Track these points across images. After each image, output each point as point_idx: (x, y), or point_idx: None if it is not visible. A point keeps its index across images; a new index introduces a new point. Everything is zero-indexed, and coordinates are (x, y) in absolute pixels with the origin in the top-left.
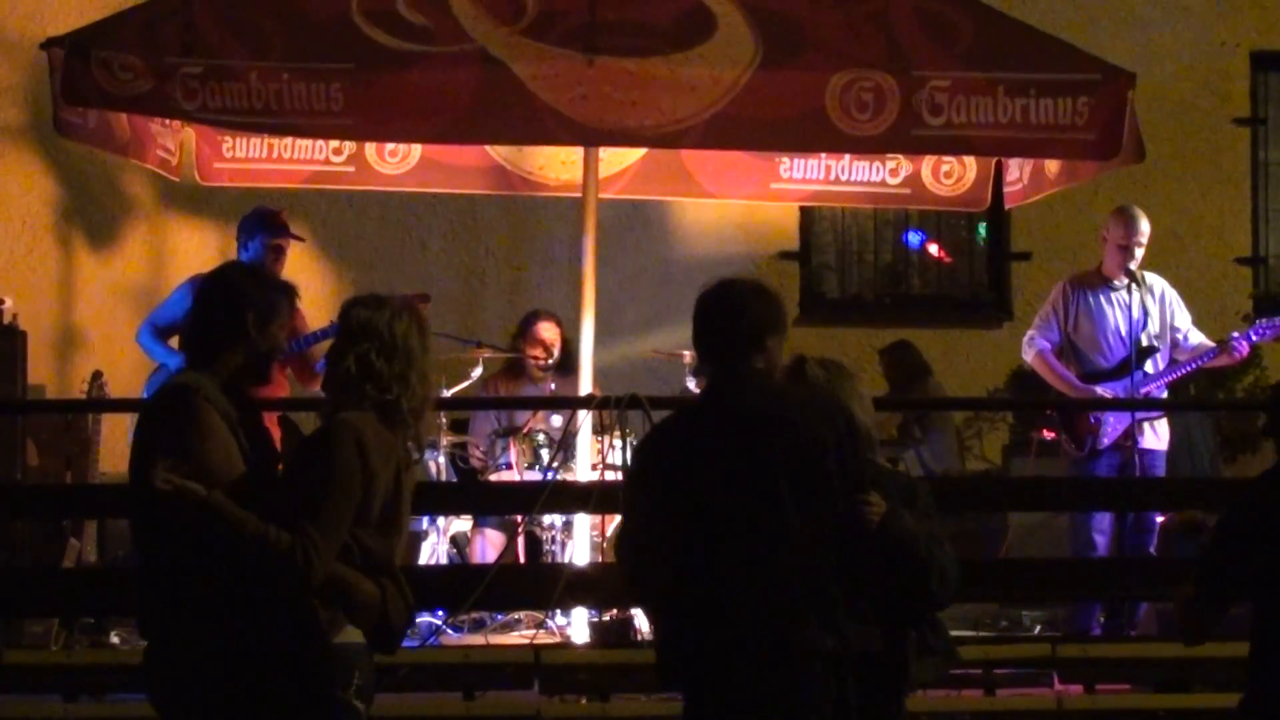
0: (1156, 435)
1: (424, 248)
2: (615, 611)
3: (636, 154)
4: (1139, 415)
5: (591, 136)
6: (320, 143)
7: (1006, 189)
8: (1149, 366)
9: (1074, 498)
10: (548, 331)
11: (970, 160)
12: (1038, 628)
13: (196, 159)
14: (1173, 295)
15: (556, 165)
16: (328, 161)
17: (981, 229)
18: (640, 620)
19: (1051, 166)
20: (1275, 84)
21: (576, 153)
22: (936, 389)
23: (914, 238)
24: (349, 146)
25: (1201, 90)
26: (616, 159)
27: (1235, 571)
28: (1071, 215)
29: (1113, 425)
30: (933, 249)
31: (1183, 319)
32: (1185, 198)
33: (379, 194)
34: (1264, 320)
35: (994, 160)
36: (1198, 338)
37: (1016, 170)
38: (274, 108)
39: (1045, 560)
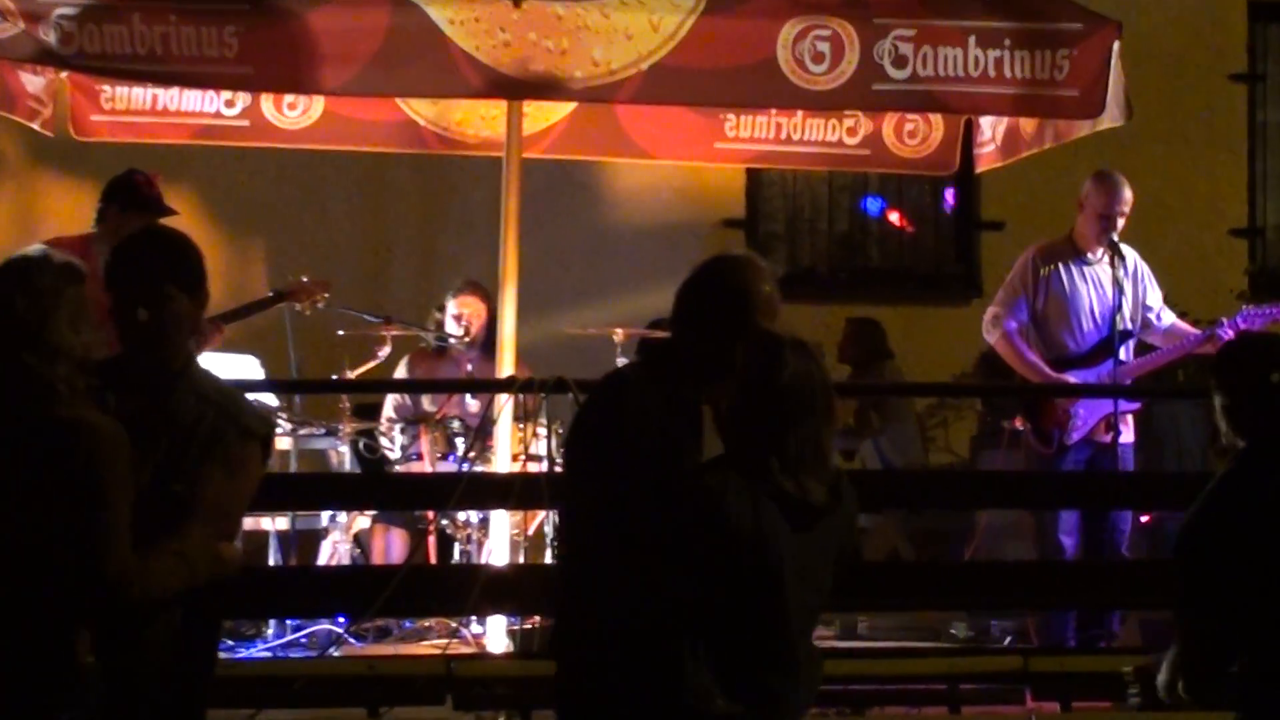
0: (1126, 427)
1: (326, 212)
2: (537, 618)
3: (565, 109)
4: (1122, 406)
5: (515, 89)
6: (211, 94)
7: (977, 151)
8: (1121, 353)
9: (1048, 495)
10: (467, 306)
11: (937, 119)
12: (1008, 638)
13: (72, 111)
14: (1145, 269)
15: (476, 121)
16: (219, 115)
17: (949, 195)
18: None
19: (1027, 126)
20: (1275, 36)
21: (498, 107)
22: (896, 374)
23: (873, 204)
24: (243, 98)
25: (1194, 43)
26: (543, 115)
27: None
28: (1049, 181)
29: (1084, 418)
30: (894, 217)
31: (1154, 297)
32: (1175, 162)
33: (276, 151)
34: (1251, 307)
35: (963, 119)
36: (1170, 318)
37: (988, 130)
38: (159, 53)
39: (1017, 564)
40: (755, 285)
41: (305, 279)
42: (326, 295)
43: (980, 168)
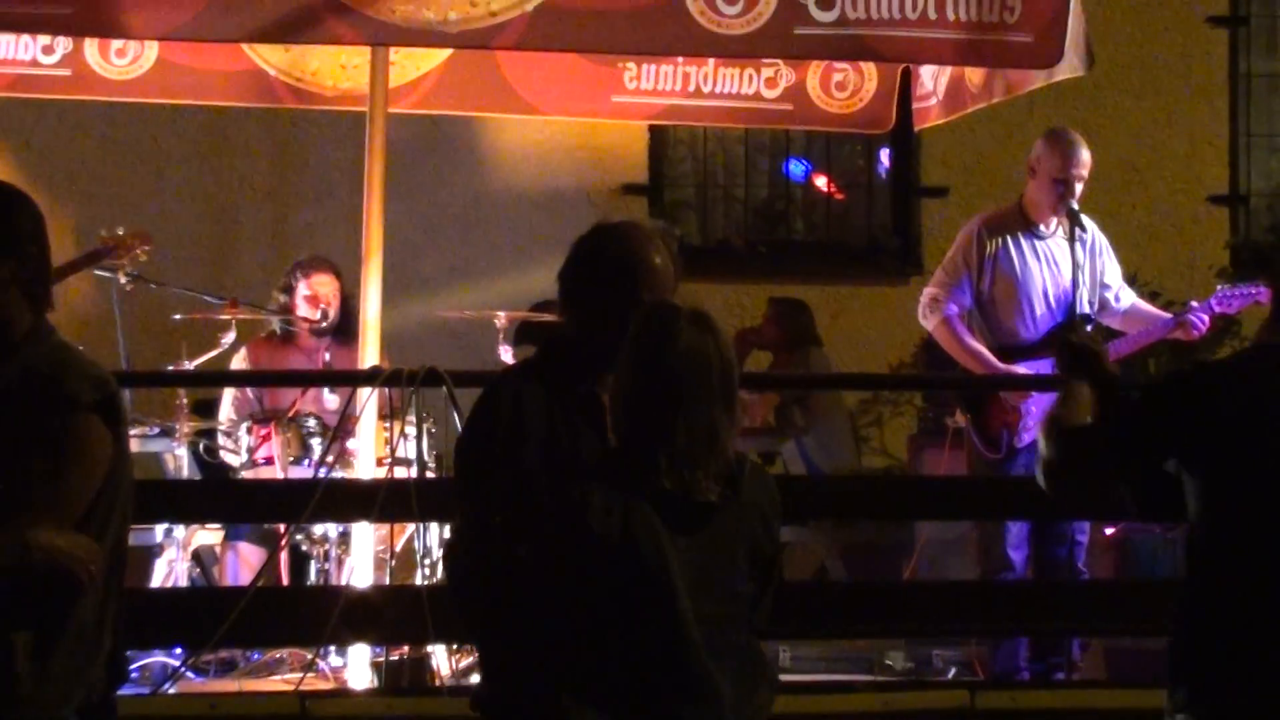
0: None
1: (161, 177)
2: (405, 649)
3: (438, 57)
4: None
5: (380, 33)
6: (26, 39)
7: (916, 106)
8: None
9: (994, 503)
10: (322, 285)
11: (870, 69)
12: (952, 670)
13: None
14: (1102, 241)
15: (334, 70)
16: (35, 63)
17: (884, 157)
18: (439, 660)
19: (974, 77)
20: None
21: (361, 55)
22: (824, 363)
23: (797, 168)
24: (63, 44)
25: None
26: (412, 63)
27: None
28: (999, 140)
29: (1036, 417)
30: (821, 183)
31: (1113, 273)
32: (1145, 118)
33: (102, 106)
34: (1226, 287)
35: (900, 68)
36: (1129, 298)
37: (929, 82)
38: None
39: (962, 584)
40: (643, 255)
41: (121, 231)
42: (148, 249)
43: (920, 125)
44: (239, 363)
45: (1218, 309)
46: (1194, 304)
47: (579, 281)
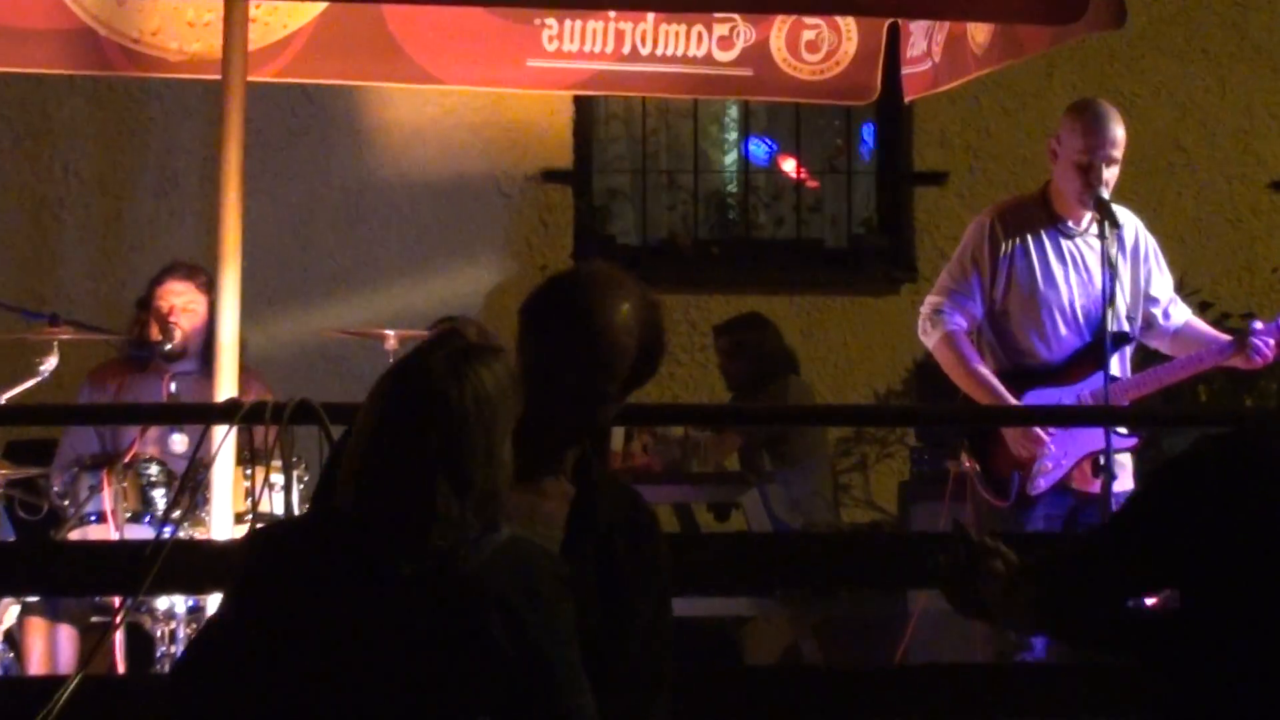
0: (1123, 470)
1: None
2: None
3: (311, 11)
4: (1116, 443)
5: None
6: None
7: (907, 71)
8: (1114, 364)
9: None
10: (175, 296)
11: (849, 25)
12: None
13: None
14: (1150, 243)
15: (180, 30)
16: None
17: (867, 135)
18: None
19: (978, 35)
20: None
21: (214, 9)
22: (800, 393)
23: (759, 149)
24: None
25: None
26: (278, 20)
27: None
28: (1010, 114)
29: (1055, 458)
30: (789, 166)
31: (1161, 283)
32: (1192, 87)
33: None
34: None
35: (886, 25)
36: (1183, 314)
37: (923, 41)
38: None
39: (970, 667)
40: (599, 310)
41: None
42: None
43: (912, 95)
44: (85, 394)
45: None
46: (1257, 325)
47: (522, 345)
